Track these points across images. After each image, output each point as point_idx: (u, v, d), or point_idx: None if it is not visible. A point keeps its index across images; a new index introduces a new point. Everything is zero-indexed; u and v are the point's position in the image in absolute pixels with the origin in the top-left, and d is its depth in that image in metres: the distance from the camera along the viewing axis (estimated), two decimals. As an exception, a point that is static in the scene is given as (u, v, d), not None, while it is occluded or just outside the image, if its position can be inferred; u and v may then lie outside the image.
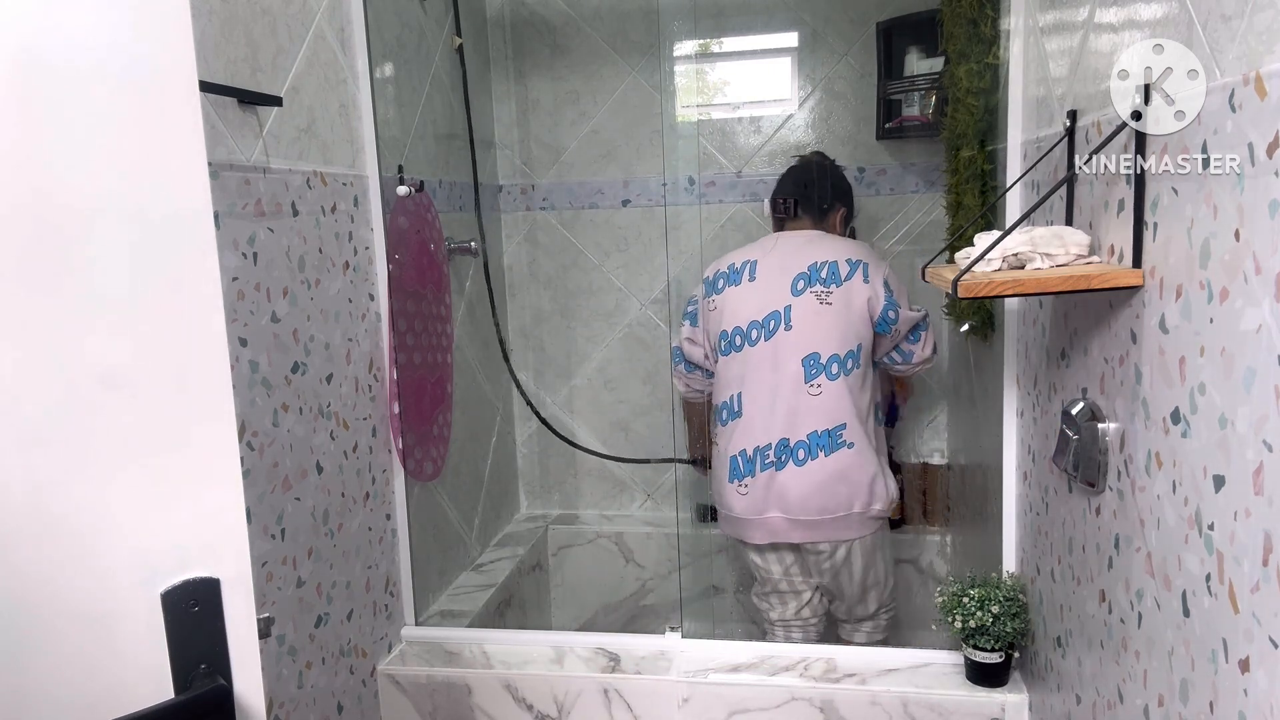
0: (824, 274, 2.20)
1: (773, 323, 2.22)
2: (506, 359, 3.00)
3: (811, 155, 2.50)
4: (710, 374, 2.39)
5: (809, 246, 2.27)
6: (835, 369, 2.17)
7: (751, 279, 2.27)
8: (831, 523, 2.19)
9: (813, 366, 2.18)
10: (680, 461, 2.86)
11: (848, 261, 2.21)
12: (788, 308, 2.21)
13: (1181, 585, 1.07)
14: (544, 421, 3.14)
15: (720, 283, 2.32)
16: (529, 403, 3.10)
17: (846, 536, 2.21)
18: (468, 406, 2.76)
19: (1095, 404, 1.36)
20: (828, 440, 2.17)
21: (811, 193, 2.35)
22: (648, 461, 3.14)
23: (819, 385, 2.17)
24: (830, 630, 2.45)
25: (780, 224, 2.39)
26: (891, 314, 2.20)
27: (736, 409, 2.25)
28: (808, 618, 2.35)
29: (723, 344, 2.29)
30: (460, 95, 2.75)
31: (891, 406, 2.69)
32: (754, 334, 2.24)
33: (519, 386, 3.05)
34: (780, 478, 2.19)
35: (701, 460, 2.68)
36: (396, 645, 2.20)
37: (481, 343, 2.91)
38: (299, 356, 1.76)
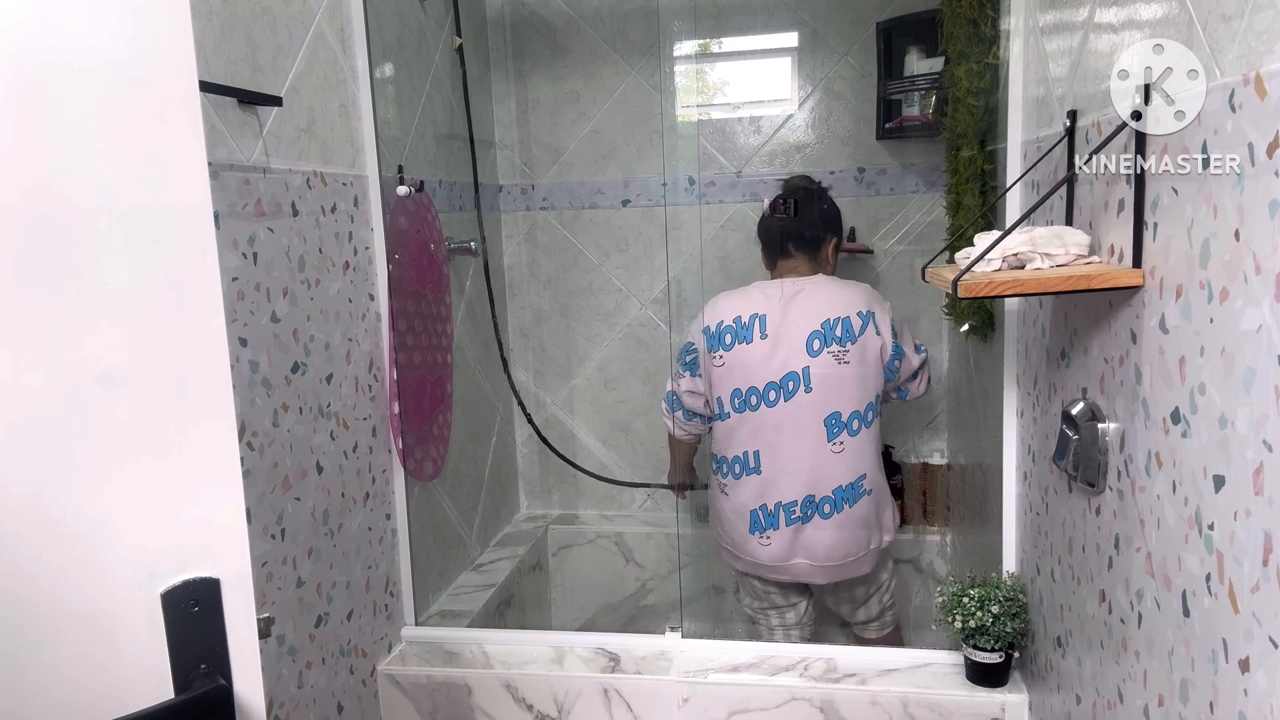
0: (838, 332, 2.20)
1: (791, 384, 2.21)
2: (505, 368, 3.00)
3: (796, 181, 2.45)
4: (707, 420, 2.37)
5: (817, 299, 2.24)
6: (856, 425, 2.20)
7: (763, 336, 2.23)
8: (851, 564, 2.25)
9: (835, 425, 2.20)
10: (660, 486, 2.90)
11: (859, 315, 2.21)
12: (806, 369, 2.19)
13: (1181, 585, 1.07)
14: (537, 430, 3.14)
15: (728, 338, 2.26)
16: (524, 411, 3.10)
17: (862, 572, 2.28)
18: (468, 406, 2.76)
19: (1095, 404, 1.36)
20: (851, 493, 2.20)
21: (804, 229, 2.32)
22: (631, 484, 3.19)
23: (841, 443, 2.20)
24: (829, 630, 2.46)
25: (773, 262, 2.38)
26: (896, 362, 2.25)
27: (753, 466, 2.24)
28: (805, 623, 2.39)
29: (735, 401, 2.25)
30: (460, 95, 2.75)
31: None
32: (771, 395, 2.21)
33: (516, 395, 3.05)
34: (807, 530, 2.21)
35: (681, 487, 2.70)
36: (396, 645, 2.20)
37: (481, 343, 2.91)
38: (299, 356, 1.76)
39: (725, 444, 2.30)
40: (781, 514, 2.22)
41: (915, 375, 2.31)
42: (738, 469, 2.27)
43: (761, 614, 2.40)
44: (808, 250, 2.32)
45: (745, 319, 2.25)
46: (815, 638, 2.45)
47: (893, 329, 2.23)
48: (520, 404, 3.07)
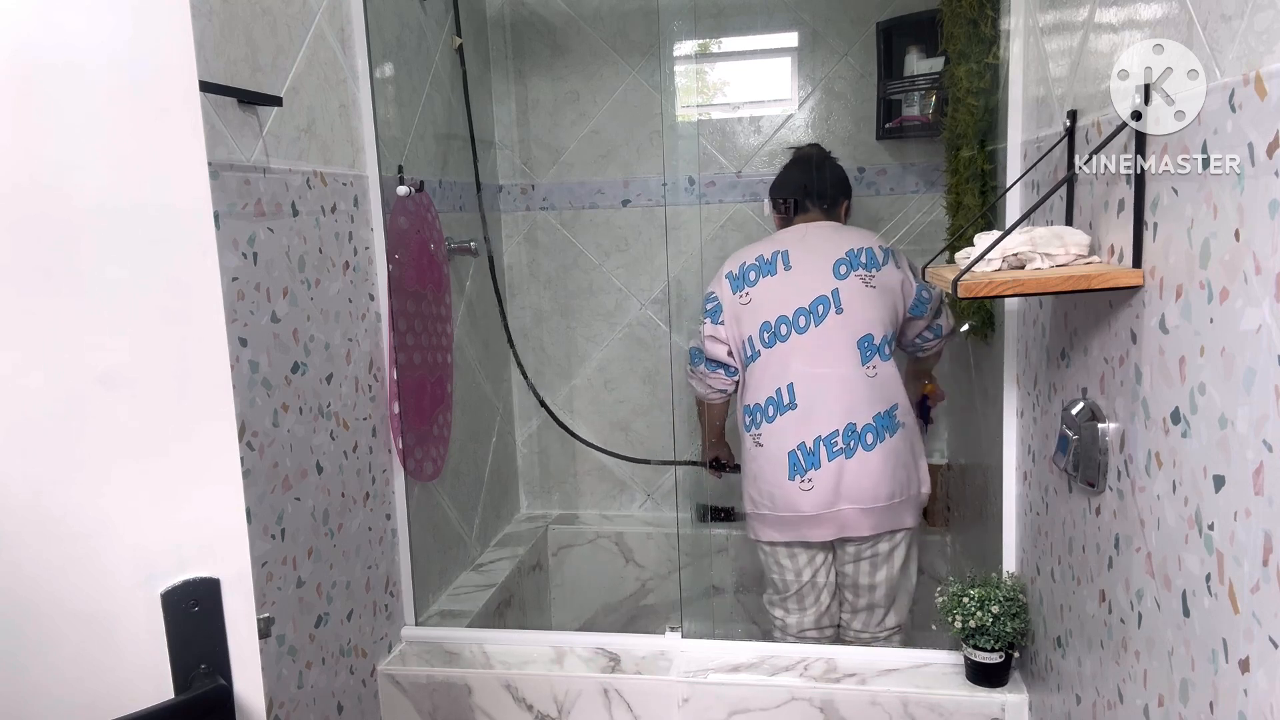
0: (863, 259, 2.21)
1: (821, 307, 2.19)
2: (516, 357, 3.01)
3: (809, 148, 2.47)
4: (733, 371, 2.31)
5: (838, 235, 2.27)
6: (886, 350, 2.19)
7: (788, 267, 2.24)
8: (895, 508, 2.17)
9: (868, 348, 2.18)
10: (691, 464, 2.85)
11: (880, 249, 2.24)
12: (835, 291, 2.19)
13: (1181, 585, 1.07)
14: (551, 414, 3.14)
15: (751, 274, 2.26)
16: (538, 397, 3.10)
17: (905, 525, 2.21)
18: (468, 406, 2.76)
19: (1095, 404, 1.36)
20: (889, 421, 2.16)
21: (822, 187, 2.34)
22: (660, 463, 3.14)
23: (875, 367, 2.18)
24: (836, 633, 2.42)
25: (787, 221, 2.37)
26: (925, 294, 2.25)
27: (788, 400, 2.19)
28: (824, 626, 2.32)
29: (764, 335, 2.22)
30: (460, 95, 2.75)
31: (925, 408, 2.71)
32: (801, 320, 2.20)
33: (529, 381, 3.06)
34: (851, 466, 2.14)
35: (717, 463, 2.63)
36: (396, 645, 2.20)
37: (482, 343, 2.91)
38: (299, 356, 1.76)
39: (757, 388, 2.24)
40: (823, 449, 2.14)
41: (940, 311, 2.30)
42: (771, 410, 2.20)
43: (781, 605, 2.32)
44: (826, 207, 2.34)
45: (768, 256, 2.27)
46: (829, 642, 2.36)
47: (911, 268, 2.26)
48: (534, 390, 3.07)
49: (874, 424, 2.15)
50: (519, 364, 3.05)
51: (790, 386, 2.19)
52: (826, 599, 2.31)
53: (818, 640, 2.31)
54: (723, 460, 2.64)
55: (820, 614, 2.31)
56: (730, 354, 2.30)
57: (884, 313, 2.20)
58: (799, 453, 2.17)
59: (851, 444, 2.15)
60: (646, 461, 3.13)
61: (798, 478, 2.17)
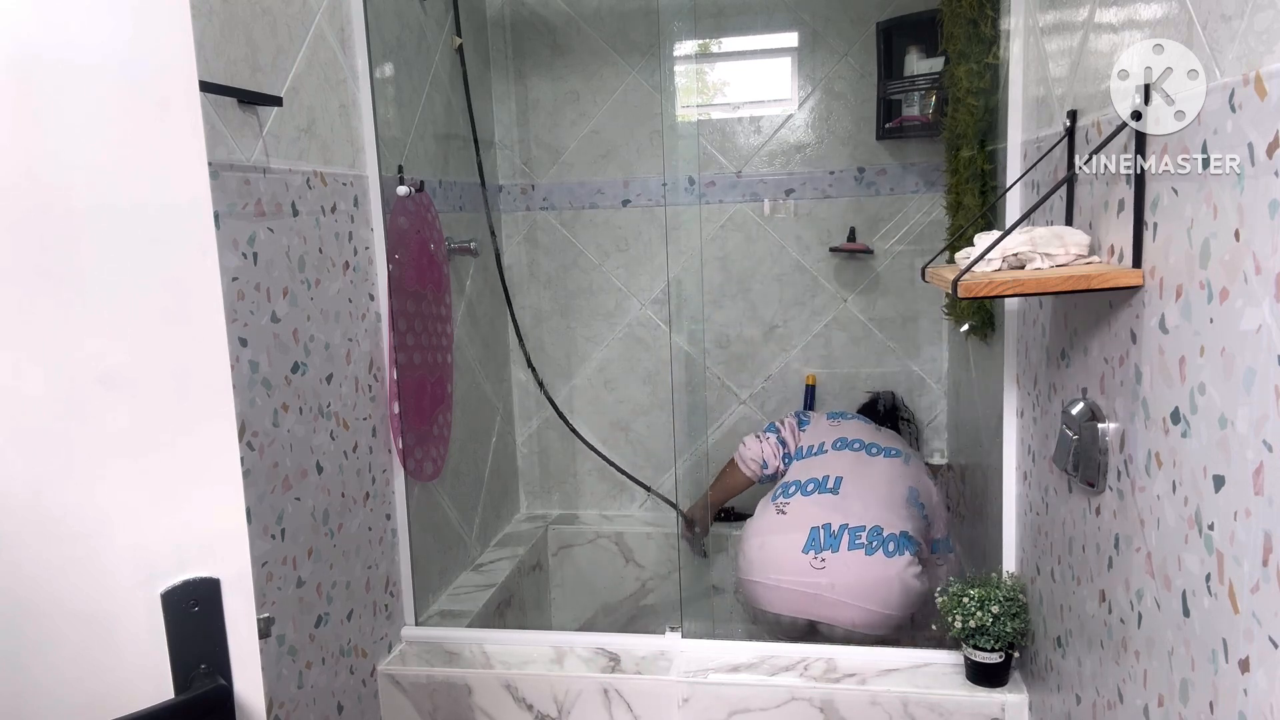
0: (924, 466, 2.53)
1: (893, 452, 2.43)
2: (524, 349, 3.03)
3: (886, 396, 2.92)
4: (788, 459, 2.51)
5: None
6: (924, 514, 2.35)
7: (876, 428, 2.57)
8: (889, 620, 2.17)
9: (914, 499, 2.33)
10: (670, 504, 2.97)
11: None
12: (906, 454, 2.46)
13: (1181, 585, 1.07)
14: (557, 410, 3.14)
15: (849, 415, 2.62)
16: (545, 393, 3.10)
17: (888, 637, 2.19)
18: (468, 406, 2.76)
19: (1095, 404, 1.36)
20: (914, 545, 2.21)
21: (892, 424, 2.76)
22: (650, 490, 3.19)
23: (912, 512, 2.30)
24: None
25: None
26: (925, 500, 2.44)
27: (832, 486, 2.30)
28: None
29: (839, 443, 2.44)
30: (460, 95, 2.75)
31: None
32: (873, 450, 2.42)
33: (535, 374, 3.06)
34: (869, 562, 2.15)
35: (690, 524, 2.78)
36: (396, 645, 2.20)
37: (482, 343, 2.91)
38: (299, 356, 1.76)
39: (805, 471, 2.38)
40: (845, 536, 2.19)
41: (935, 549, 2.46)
42: (810, 487, 2.31)
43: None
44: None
45: (865, 418, 2.67)
46: None
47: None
48: (540, 384, 3.09)
49: (899, 537, 2.19)
50: (527, 358, 3.06)
51: (839, 479, 2.32)
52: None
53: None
54: (696, 522, 2.78)
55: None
56: (788, 454, 2.52)
57: (931, 499, 2.41)
58: (822, 531, 2.21)
59: (874, 544, 2.19)
60: (640, 484, 3.16)
61: (812, 553, 2.20)
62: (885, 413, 2.88)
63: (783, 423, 2.60)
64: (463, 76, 2.75)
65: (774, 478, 2.53)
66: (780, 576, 2.22)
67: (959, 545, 2.58)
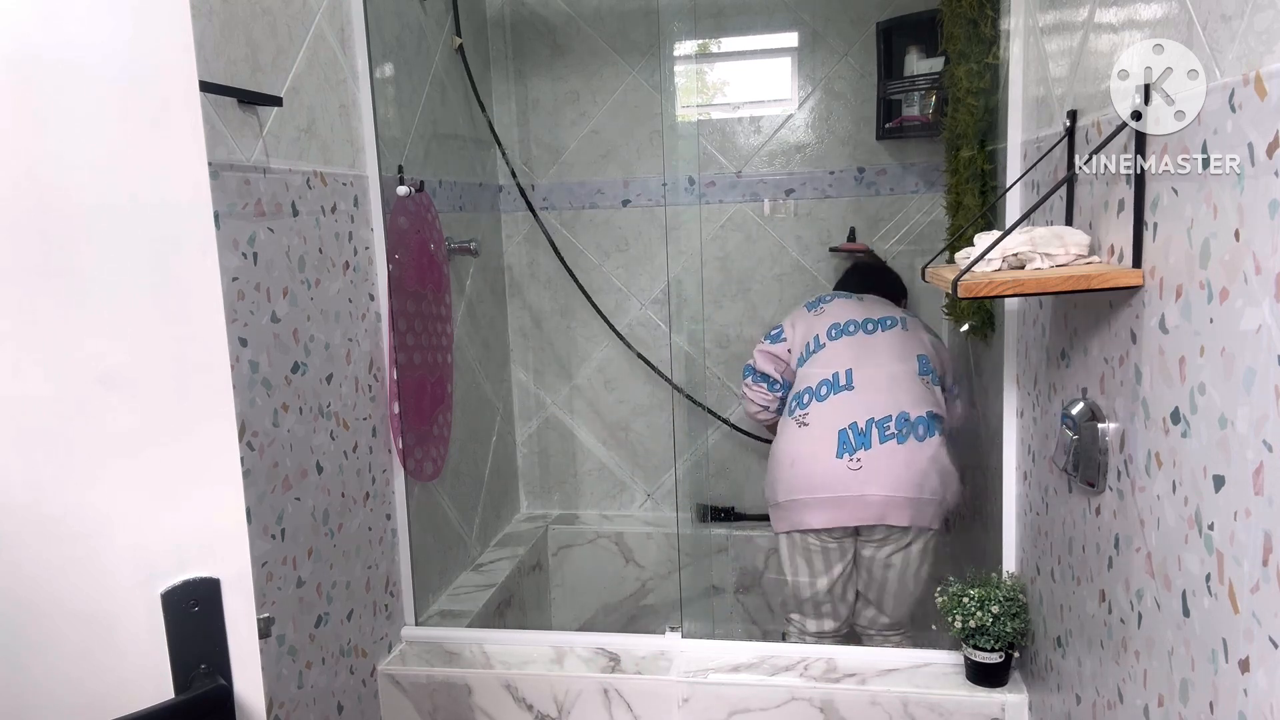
0: (923, 324, 2.42)
1: (889, 322, 2.33)
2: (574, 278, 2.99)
3: (867, 257, 2.75)
4: (775, 386, 2.40)
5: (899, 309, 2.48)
6: (936, 379, 2.28)
7: (860, 300, 2.43)
8: (934, 506, 2.16)
9: (925, 366, 2.26)
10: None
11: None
12: (902, 319, 2.34)
13: (1181, 585, 1.07)
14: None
15: (828, 297, 2.44)
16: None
17: (935, 525, 2.19)
18: (468, 406, 2.76)
19: (1095, 404, 1.36)
20: (938, 424, 2.18)
21: (882, 289, 2.57)
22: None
23: (927, 382, 2.25)
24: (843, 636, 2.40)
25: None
26: (956, 388, 2.40)
27: (845, 382, 2.22)
28: (842, 632, 2.31)
29: (832, 331, 2.32)
30: (460, 95, 2.75)
31: None
32: (869, 326, 2.32)
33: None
34: (902, 452, 2.13)
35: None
36: (396, 645, 2.20)
37: (482, 343, 2.91)
38: (299, 356, 1.76)
39: (811, 373, 2.29)
40: (874, 430, 2.14)
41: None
42: (824, 390, 2.23)
43: (799, 609, 2.30)
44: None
45: (851, 295, 2.46)
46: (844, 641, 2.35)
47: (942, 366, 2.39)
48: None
49: (926, 418, 2.17)
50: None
51: (849, 371, 2.24)
52: (845, 611, 2.28)
53: (834, 641, 2.29)
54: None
55: (839, 624, 2.29)
56: (779, 371, 2.40)
57: (937, 358, 2.32)
58: (850, 431, 2.16)
59: (904, 431, 2.15)
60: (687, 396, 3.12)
61: (846, 456, 2.14)
62: (866, 274, 2.65)
63: (754, 358, 2.46)
64: (468, 76, 2.75)
65: (784, 399, 2.41)
66: (819, 491, 2.16)
67: (958, 545, 2.58)
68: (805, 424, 2.22)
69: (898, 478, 2.12)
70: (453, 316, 2.54)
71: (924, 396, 2.21)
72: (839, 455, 2.15)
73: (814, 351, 2.32)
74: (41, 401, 0.68)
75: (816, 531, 2.19)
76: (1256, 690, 0.90)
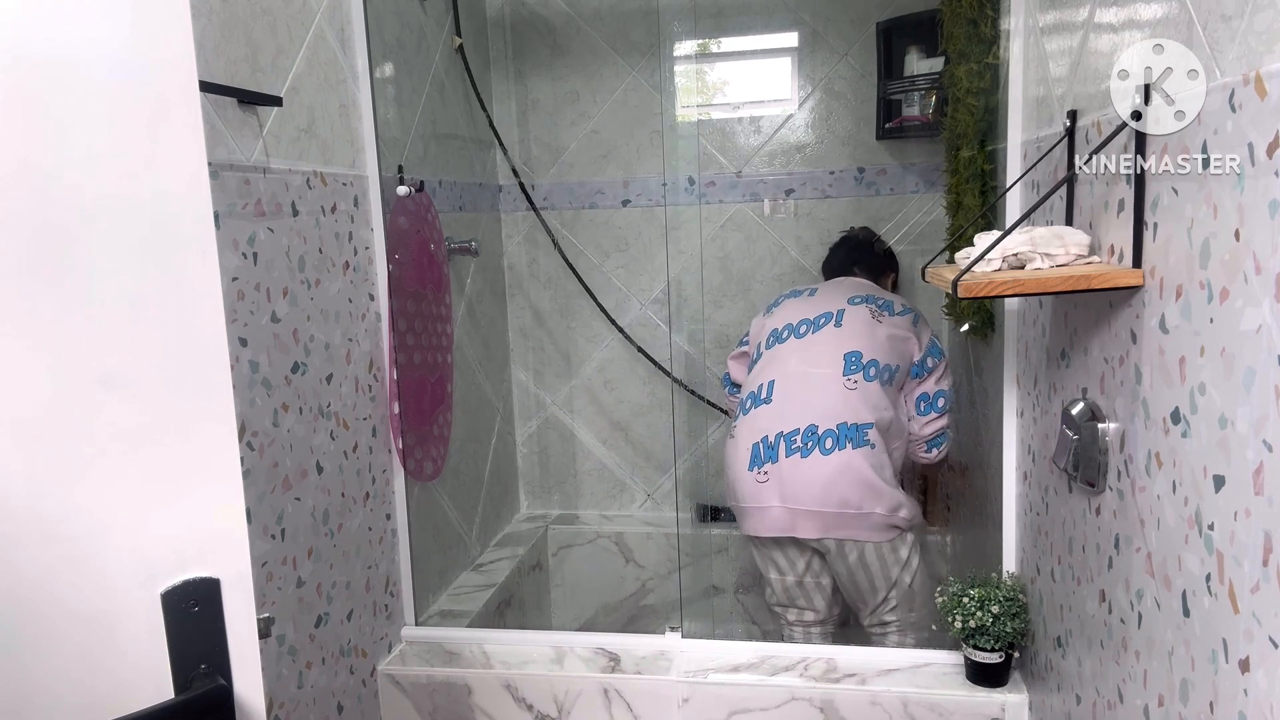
0: (881, 301, 2.34)
1: (823, 320, 2.31)
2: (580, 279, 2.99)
3: (859, 231, 2.71)
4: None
5: (870, 287, 2.45)
6: (873, 372, 2.22)
7: (811, 295, 2.42)
8: (846, 519, 2.15)
9: (853, 364, 2.22)
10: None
11: (904, 305, 2.36)
12: (840, 311, 2.31)
13: (1181, 585, 1.07)
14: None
15: (783, 300, 2.45)
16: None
17: (861, 538, 2.17)
18: (468, 406, 2.76)
19: (1095, 404, 1.36)
20: (855, 434, 2.16)
21: (868, 260, 2.58)
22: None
23: (855, 381, 2.21)
24: (842, 632, 2.42)
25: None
26: (930, 361, 2.31)
27: (765, 396, 2.26)
28: (827, 623, 2.34)
29: (769, 339, 2.35)
30: (460, 95, 2.75)
31: None
32: (802, 329, 2.32)
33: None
34: (803, 466, 2.15)
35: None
36: (396, 645, 2.20)
37: (482, 343, 2.91)
38: (299, 356, 1.76)
39: (750, 383, 2.35)
40: (782, 444, 2.18)
41: (938, 409, 2.32)
42: (749, 404, 2.28)
43: (780, 607, 2.35)
44: (871, 277, 2.55)
45: (801, 290, 2.47)
46: (834, 640, 2.36)
47: (932, 342, 2.33)
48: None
49: (836, 430, 2.16)
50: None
51: (771, 384, 2.27)
52: (821, 602, 2.30)
53: (820, 636, 2.33)
54: None
55: (817, 616, 2.32)
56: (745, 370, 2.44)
57: (881, 344, 2.24)
58: (760, 445, 2.22)
59: (809, 444, 2.16)
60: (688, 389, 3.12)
61: (755, 469, 2.21)
62: (852, 249, 2.61)
63: (729, 366, 2.57)
64: (468, 76, 2.75)
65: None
66: (741, 501, 2.26)
67: (958, 542, 2.58)
68: (733, 436, 2.31)
69: (801, 491, 2.16)
70: (453, 316, 2.54)
71: (842, 404, 2.17)
72: (750, 468, 2.22)
73: (754, 360, 2.40)
74: (42, 401, 0.68)
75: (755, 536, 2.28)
76: (1256, 690, 0.90)
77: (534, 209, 3.02)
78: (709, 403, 3.02)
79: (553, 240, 3.01)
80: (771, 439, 2.20)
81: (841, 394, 2.19)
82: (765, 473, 2.20)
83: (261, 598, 1.63)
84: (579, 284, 3.10)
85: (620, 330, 3.07)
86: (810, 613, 2.32)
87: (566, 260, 3.03)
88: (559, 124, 3.07)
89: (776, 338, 2.34)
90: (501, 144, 3.00)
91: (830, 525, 2.17)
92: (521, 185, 3.03)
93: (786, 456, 2.17)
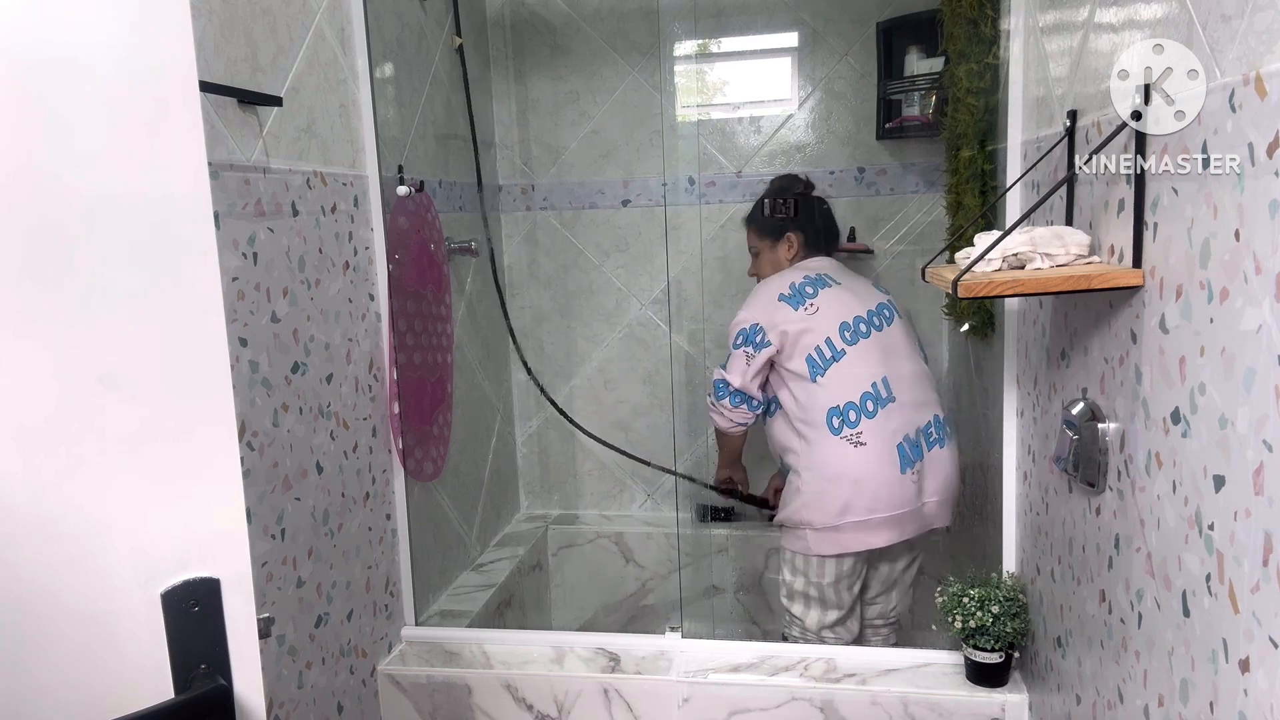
0: (881, 286, 2.39)
1: (886, 311, 2.28)
2: (516, 343, 2.99)
3: (801, 182, 2.50)
4: (756, 405, 2.25)
5: (853, 267, 2.47)
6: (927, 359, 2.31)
7: (838, 283, 2.27)
8: (953, 502, 2.23)
9: (922, 350, 2.30)
10: (700, 483, 2.83)
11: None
12: (890, 301, 2.31)
13: (1181, 585, 1.07)
14: (562, 411, 3.13)
15: (808, 289, 2.23)
16: (542, 390, 3.09)
17: (947, 522, 2.26)
18: (468, 406, 2.76)
19: (1095, 404, 1.36)
20: (947, 422, 2.23)
21: (829, 226, 2.49)
22: (664, 469, 3.05)
23: (931, 374, 2.29)
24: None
25: (798, 256, 2.38)
26: None
27: (886, 395, 2.14)
28: (849, 623, 2.29)
29: (845, 334, 2.17)
30: (460, 95, 2.75)
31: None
32: (876, 320, 2.23)
33: (528, 368, 3.05)
34: (944, 455, 2.19)
35: (730, 483, 2.65)
36: (396, 645, 2.20)
37: (481, 343, 2.91)
38: (299, 356, 1.76)
39: (840, 389, 2.14)
40: (922, 440, 2.17)
41: None
42: (870, 405, 2.13)
43: (804, 601, 2.24)
44: (827, 248, 2.46)
45: (813, 275, 2.28)
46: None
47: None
48: (540, 388, 3.06)
49: (945, 416, 2.24)
50: (525, 364, 3.05)
51: (884, 380, 2.17)
52: (851, 602, 2.27)
53: (833, 640, 2.25)
54: (736, 482, 2.66)
55: (844, 616, 2.25)
56: (758, 385, 2.23)
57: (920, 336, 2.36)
58: (906, 445, 2.15)
59: (942, 434, 2.21)
60: (646, 463, 3.10)
61: (909, 470, 2.14)
62: (813, 216, 2.45)
63: (730, 374, 2.25)
64: (463, 77, 2.75)
65: (760, 407, 2.28)
66: (883, 510, 2.13)
67: (958, 545, 2.58)
68: (861, 443, 2.12)
69: (944, 481, 2.20)
70: (453, 316, 2.54)
71: (936, 390, 2.26)
72: (904, 471, 2.13)
73: (836, 357, 2.16)
74: (42, 401, 0.68)
75: (868, 552, 2.21)
76: (1257, 690, 0.90)
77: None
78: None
79: (488, 229, 2.99)
80: (913, 435, 2.16)
81: (932, 382, 2.26)
82: (917, 472, 2.16)
83: (261, 598, 1.63)
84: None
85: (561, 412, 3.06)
86: (835, 612, 2.24)
87: (496, 274, 3.02)
88: (559, 124, 3.07)
89: (856, 332, 2.18)
90: (477, 145, 2.99)
91: (948, 513, 2.23)
92: (483, 184, 3.01)
93: (929, 450, 2.18)
